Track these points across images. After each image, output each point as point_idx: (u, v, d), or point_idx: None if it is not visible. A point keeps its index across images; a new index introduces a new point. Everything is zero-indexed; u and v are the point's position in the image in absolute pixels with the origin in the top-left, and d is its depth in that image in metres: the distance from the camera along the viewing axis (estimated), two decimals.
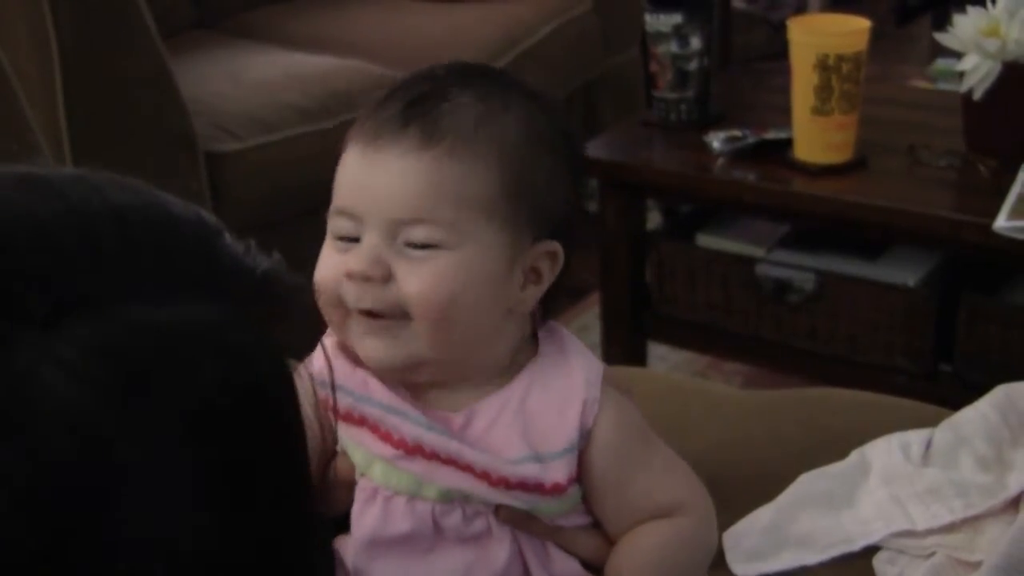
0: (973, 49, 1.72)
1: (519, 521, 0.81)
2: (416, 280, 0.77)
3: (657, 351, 2.23)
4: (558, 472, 0.79)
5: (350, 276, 0.78)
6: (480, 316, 0.79)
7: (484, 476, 0.79)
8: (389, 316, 0.78)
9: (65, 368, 0.42)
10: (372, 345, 0.79)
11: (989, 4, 1.75)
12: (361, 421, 0.81)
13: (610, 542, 0.84)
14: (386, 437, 0.80)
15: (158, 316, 0.45)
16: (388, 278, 0.78)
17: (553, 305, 0.85)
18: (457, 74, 0.83)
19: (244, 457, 0.46)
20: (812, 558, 0.97)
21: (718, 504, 0.86)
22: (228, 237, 0.50)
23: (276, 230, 2.26)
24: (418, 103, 0.79)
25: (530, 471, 0.79)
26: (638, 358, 2.09)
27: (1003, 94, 1.72)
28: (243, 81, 2.31)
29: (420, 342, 0.78)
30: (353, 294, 0.79)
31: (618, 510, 0.83)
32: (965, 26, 1.73)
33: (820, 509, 1.00)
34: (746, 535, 0.99)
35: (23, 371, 0.42)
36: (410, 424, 0.80)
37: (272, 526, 0.48)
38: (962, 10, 1.76)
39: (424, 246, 0.78)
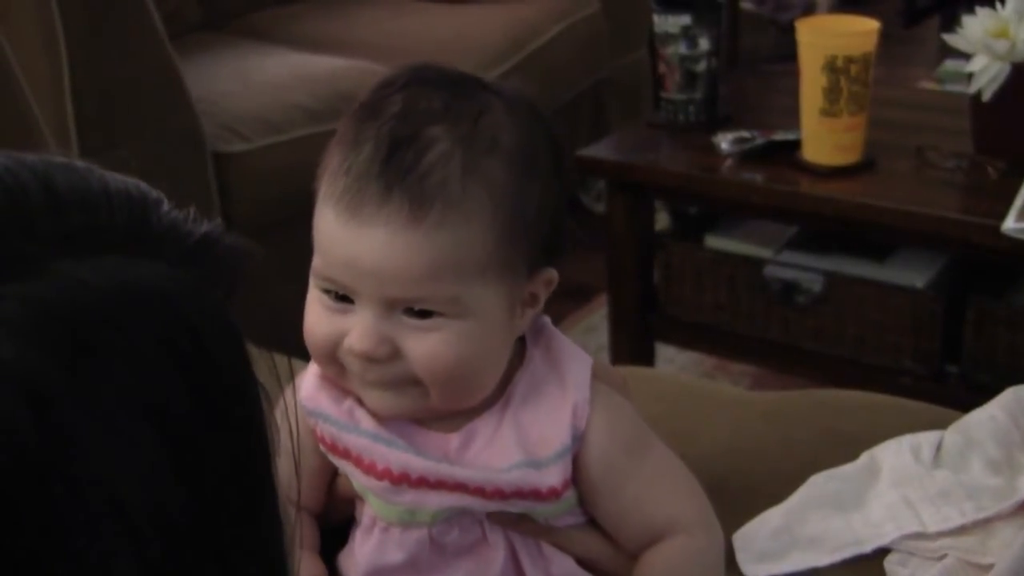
0: (982, 50, 1.72)
1: (511, 521, 0.81)
2: (425, 353, 0.74)
3: (665, 352, 2.23)
4: (553, 476, 0.78)
5: (353, 354, 0.75)
6: (489, 365, 0.78)
7: (479, 491, 0.77)
8: (397, 383, 0.76)
9: (7, 327, 0.41)
10: (379, 397, 0.77)
11: (998, 5, 1.75)
12: (345, 453, 0.79)
13: (604, 540, 0.83)
14: (370, 468, 0.78)
15: (99, 275, 0.44)
16: (394, 355, 0.75)
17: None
18: (426, 96, 0.75)
19: (191, 420, 0.45)
20: (822, 560, 0.96)
21: (727, 505, 0.86)
22: (166, 205, 0.49)
23: (284, 230, 2.27)
24: (395, 154, 0.72)
25: (525, 477, 0.77)
26: (645, 359, 2.09)
27: (1012, 96, 1.71)
28: (250, 82, 2.31)
29: (431, 398, 0.76)
30: (357, 368, 0.76)
31: (615, 514, 0.82)
32: (973, 27, 1.73)
33: (830, 511, 1.00)
34: (756, 536, 0.98)
35: None
36: (397, 451, 0.77)
37: (230, 500, 0.46)
38: (971, 11, 1.76)
39: (425, 314, 0.74)
